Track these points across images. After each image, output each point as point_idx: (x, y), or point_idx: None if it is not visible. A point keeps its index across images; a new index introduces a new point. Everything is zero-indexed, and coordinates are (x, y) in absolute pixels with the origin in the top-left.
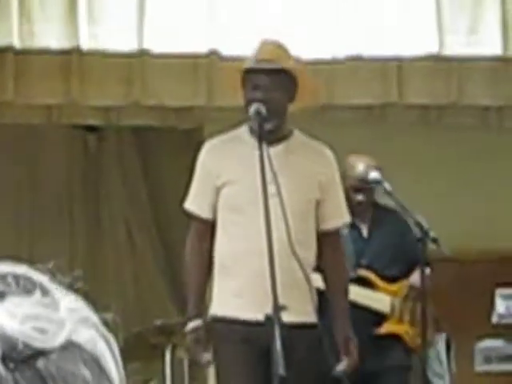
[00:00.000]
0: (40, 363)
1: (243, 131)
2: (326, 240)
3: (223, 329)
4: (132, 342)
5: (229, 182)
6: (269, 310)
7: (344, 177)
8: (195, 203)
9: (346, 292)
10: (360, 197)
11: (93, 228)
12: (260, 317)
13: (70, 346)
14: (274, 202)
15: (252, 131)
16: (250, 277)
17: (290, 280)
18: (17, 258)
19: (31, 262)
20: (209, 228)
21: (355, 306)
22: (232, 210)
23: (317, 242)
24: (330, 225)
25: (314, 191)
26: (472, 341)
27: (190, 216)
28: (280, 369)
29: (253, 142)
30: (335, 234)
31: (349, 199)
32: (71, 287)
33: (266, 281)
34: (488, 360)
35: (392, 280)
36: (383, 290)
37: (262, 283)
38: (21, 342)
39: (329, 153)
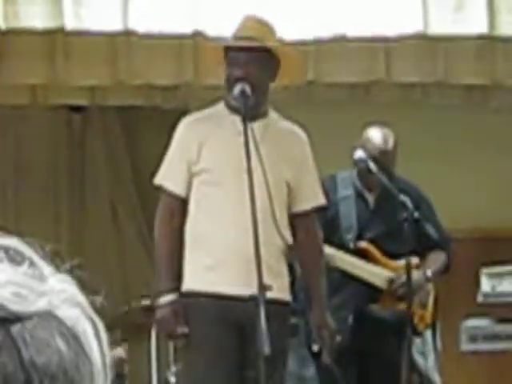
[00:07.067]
0: (14, 328)
1: (221, 108)
2: (300, 222)
3: (196, 303)
4: (118, 323)
5: (208, 162)
6: (245, 283)
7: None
8: (170, 179)
9: (322, 275)
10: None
11: (77, 207)
12: (236, 291)
13: (48, 317)
14: (254, 177)
15: (231, 108)
16: (225, 250)
17: (271, 254)
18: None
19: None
20: (181, 205)
21: (351, 278)
22: (209, 185)
23: (290, 224)
24: (304, 206)
25: (287, 171)
26: (457, 320)
27: (161, 191)
28: (265, 348)
29: (232, 119)
30: (310, 215)
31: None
32: (59, 268)
33: (242, 254)
34: (473, 339)
35: (396, 256)
36: (384, 265)
37: (238, 256)
38: None
39: (302, 133)
